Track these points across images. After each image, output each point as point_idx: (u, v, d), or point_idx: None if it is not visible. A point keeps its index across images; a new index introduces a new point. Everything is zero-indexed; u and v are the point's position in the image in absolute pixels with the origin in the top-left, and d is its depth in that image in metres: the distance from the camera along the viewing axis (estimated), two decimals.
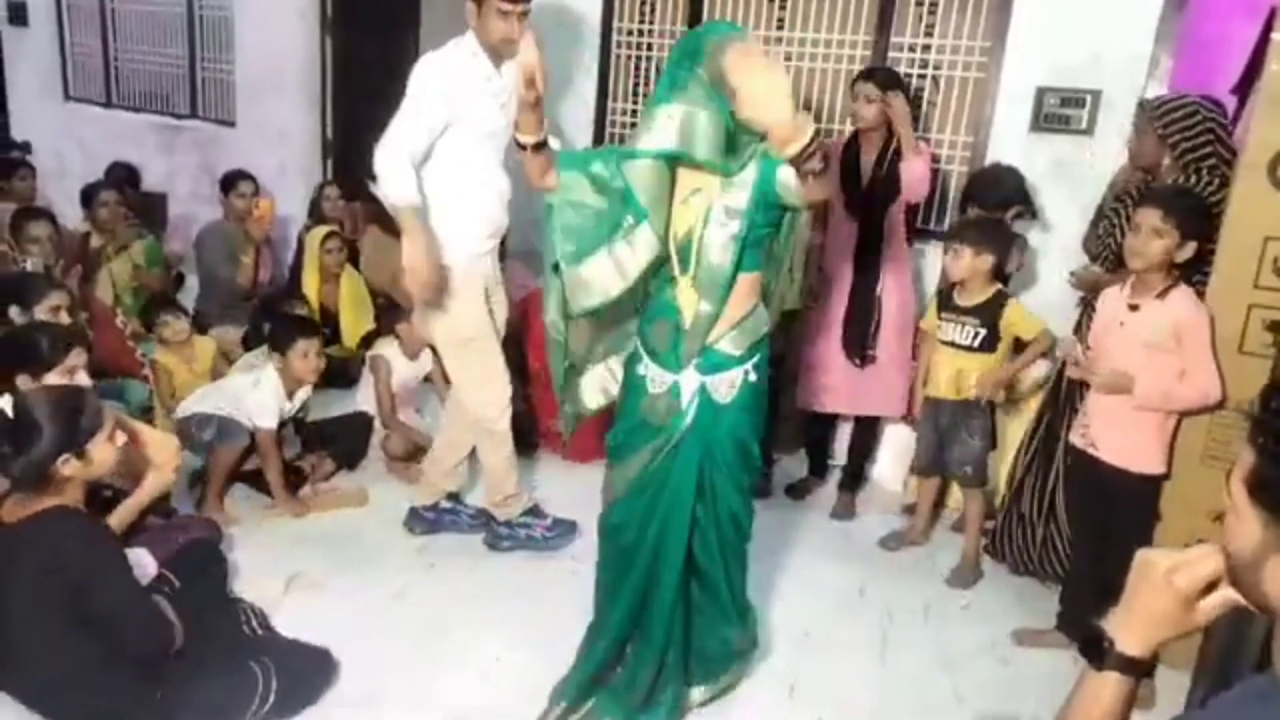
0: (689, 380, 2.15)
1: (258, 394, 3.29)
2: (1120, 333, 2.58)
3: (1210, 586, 1.03)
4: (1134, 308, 2.55)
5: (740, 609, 2.40)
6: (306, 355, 3.32)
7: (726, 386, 2.15)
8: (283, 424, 3.37)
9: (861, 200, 3.39)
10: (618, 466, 2.27)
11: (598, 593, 2.40)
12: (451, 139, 2.81)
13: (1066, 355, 2.69)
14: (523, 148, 2.07)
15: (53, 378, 2.59)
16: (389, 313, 3.91)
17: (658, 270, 2.17)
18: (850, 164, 3.41)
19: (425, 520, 3.26)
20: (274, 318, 3.79)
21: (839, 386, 3.54)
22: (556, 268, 2.11)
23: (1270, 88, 2.49)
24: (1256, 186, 2.52)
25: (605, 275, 2.10)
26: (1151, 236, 2.45)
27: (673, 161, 2.06)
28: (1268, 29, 2.64)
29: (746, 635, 2.45)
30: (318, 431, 3.67)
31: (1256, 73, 2.84)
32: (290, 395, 3.36)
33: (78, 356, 2.71)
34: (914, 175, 3.25)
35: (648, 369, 2.19)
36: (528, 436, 3.88)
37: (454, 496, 3.30)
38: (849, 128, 3.55)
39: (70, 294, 3.32)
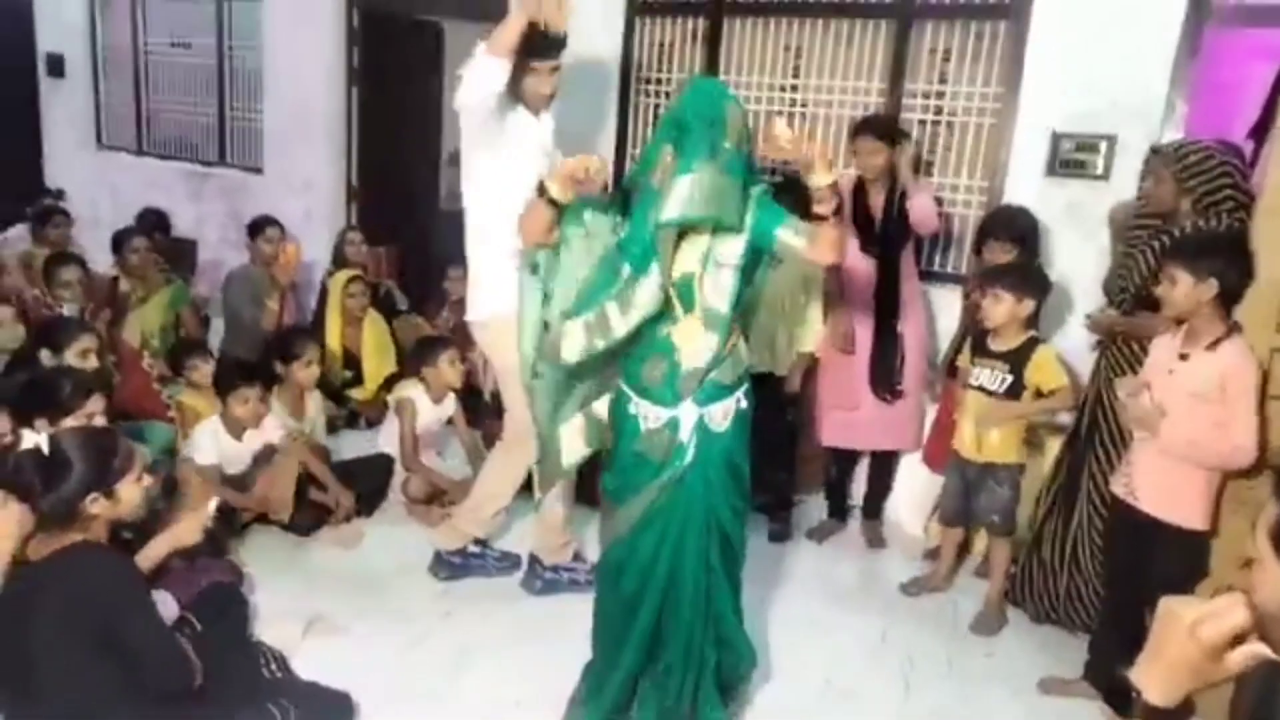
0: (688, 413, 2.22)
1: (196, 432, 3.42)
2: (1168, 381, 2.53)
3: (1239, 638, 1.02)
4: (1184, 357, 2.50)
5: (740, 628, 2.43)
6: (248, 401, 3.39)
7: (721, 415, 2.24)
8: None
9: (877, 240, 3.48)
10: (620, 508, 2.29)
11: (602, 633, 2.42)
12: (498, 175, 2.84)
13: (1128, 392, 2.62)
14: (543, 195, 2.15)
15: (70, 422, 2.64)
16: (419, 354, 3.95)
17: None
18: (861, 207, 3.52)
19: (451, 565, 3.25)
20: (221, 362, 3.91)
21: (866, 423, 3.61)
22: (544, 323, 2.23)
23: None
24: (1275, 230, 2.53)
25: (601, 327, 2.19)
26: (1188, 289, 2.42)
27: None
28: None
29: (747, 656, 2.46)
30: (339, 472, 3.69)
31: (1272, 117, 2.86)
32: (238, 437, 3.43)
33: (95, 403, 2.78)
34: (921, 210, 3.36)
35: (638, 407, 2.24)
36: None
37: (480, 541, 3.30)
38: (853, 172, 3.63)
39: (99, 337, 3.39)
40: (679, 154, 2.10)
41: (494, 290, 2.82)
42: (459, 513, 3.28)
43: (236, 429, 3.43)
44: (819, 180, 2.11)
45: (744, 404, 2.28)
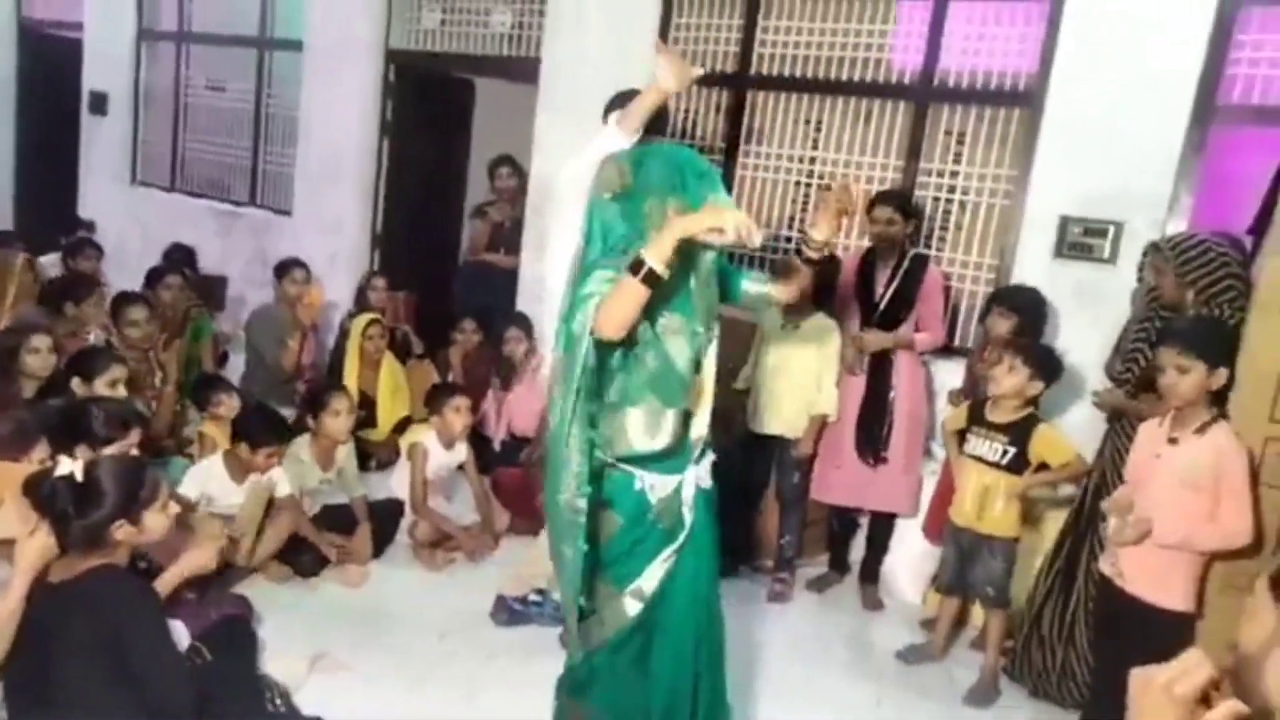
0: (690, 475, 2.23)
1: (193, 469, 3.46)
2: (1156, 465, 2.59)
3: (1209, 698, 1.07)
4: (1173, 441, 2.57)
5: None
6: (272, 455, 3.39)
7: (706, 469, 2.29)
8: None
9: (876, 309, 3.64)
10: (619, 594, 2.19)
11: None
12: None
13: (1113, 511, 2.66)
14: (642, 273, 1.89)
15: (109, 452, 2.73)
16: (436, 396, 4.03)
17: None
18: (866, 278, 3.67)
19: (512, 610, 3.31)
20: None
21: (850, 483, 3.71)
22: (591, 446, 2.08)
23: None
24: (1270, 323, 2.61)
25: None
26: (1177, 374, 2.50)
27: None
28: None
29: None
30: (344, 516, 3.75)
31: (1270, 213, 2.96)
32: (239, 480, 3.40)
33: (135, 436, 2.86)
34: (925, 344, 3.67)
35: (644, 480, 2.17)
36: None
37: (541, 591, 3.34)
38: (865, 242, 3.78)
39: (159, 366, 3.47)
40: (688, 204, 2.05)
41: None
42: (527, 559, 3.33)
43: (240, 473, 3.41)
44: (822, 235, 2.28)
45: (711, 455, 2.31)
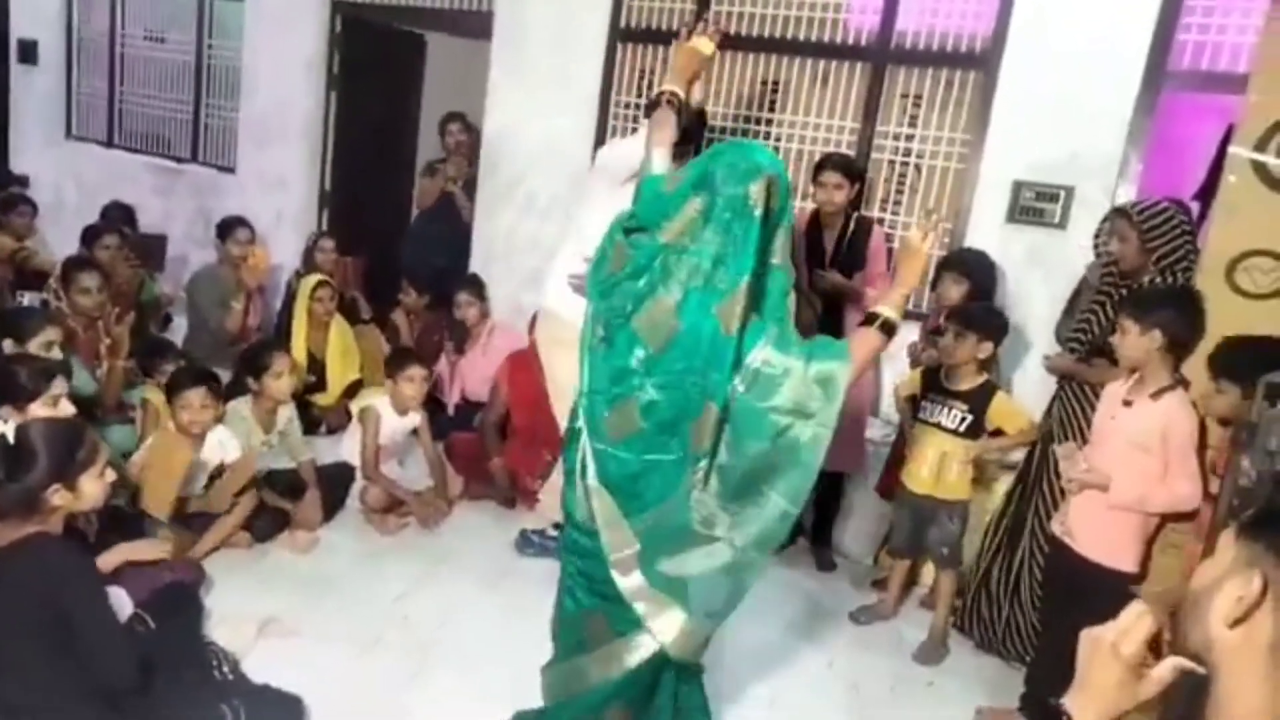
0: None
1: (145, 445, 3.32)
2: (1110, 426, 2.64)
3: (1157, 650, 1.08)
4: (1128, 403, 2.60)
5: None
6: (203, 407, 3.28)
7: None
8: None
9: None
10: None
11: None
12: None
13: (1064, 457, 2.70)
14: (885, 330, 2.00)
15: (36, 408, 2.64)
16: (394, 361, 3.96)
17: None
18: (814, 242, 3.65)
19: (534, 544, 3.52)
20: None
21: None
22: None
23: (1227, 198, 2.64)
24: (1215, 289, 2.66)
25: None
26: (1134, 339, 2.52)
27: None
28: (1226, 140, 2.82)
29: None
30: (294, 481, 3.68)
31: (1216, 181, 3.00)
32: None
33: (60, 386, 2.77)
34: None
35: None
36: (507, 491, 4.00)
37: (559, 526, 3.37)
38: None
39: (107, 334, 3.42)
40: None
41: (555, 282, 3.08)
42: (543, 494, 3.49)
43: (194, 439, 3.30)
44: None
45: None
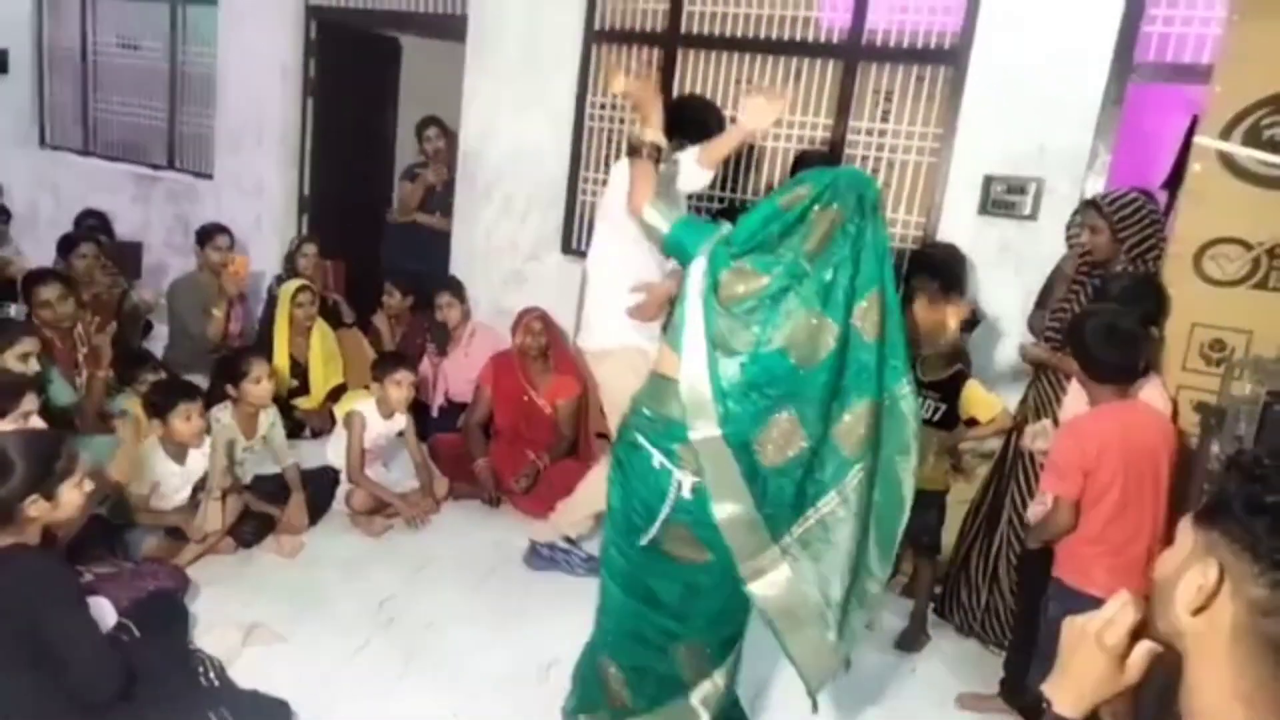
0: None
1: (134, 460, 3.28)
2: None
3: (1136, 637, 1.10)
4: None
5: None
6: (190, 417, 3.26)
7: None
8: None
9: None
10: None
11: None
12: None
13: (1037, 434, 2.73)
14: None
15: (6, 424, 2.62)
16: (381, 365, 3.96)
17: None
18: None
19: (542, 558, 3.48)
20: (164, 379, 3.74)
21: None
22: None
23: (1193, 186, 2.69)
24: (1183, 276, 2.71)
25: None
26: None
27: None
28: (1191, 130, 2.87)
29: None
30: (280, 485, 3.68)
31: (1183, 170, 3.06)
32: (180, 461, 3.31)
33: (30, 402, 2.74)
34: None
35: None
36: (491, 491, 4.03)
37: (571, 540, 3.48)
38: None
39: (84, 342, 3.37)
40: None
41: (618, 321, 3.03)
42: (559, 509, 3.48)
43: (179, 452, 3.30)
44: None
45: None
